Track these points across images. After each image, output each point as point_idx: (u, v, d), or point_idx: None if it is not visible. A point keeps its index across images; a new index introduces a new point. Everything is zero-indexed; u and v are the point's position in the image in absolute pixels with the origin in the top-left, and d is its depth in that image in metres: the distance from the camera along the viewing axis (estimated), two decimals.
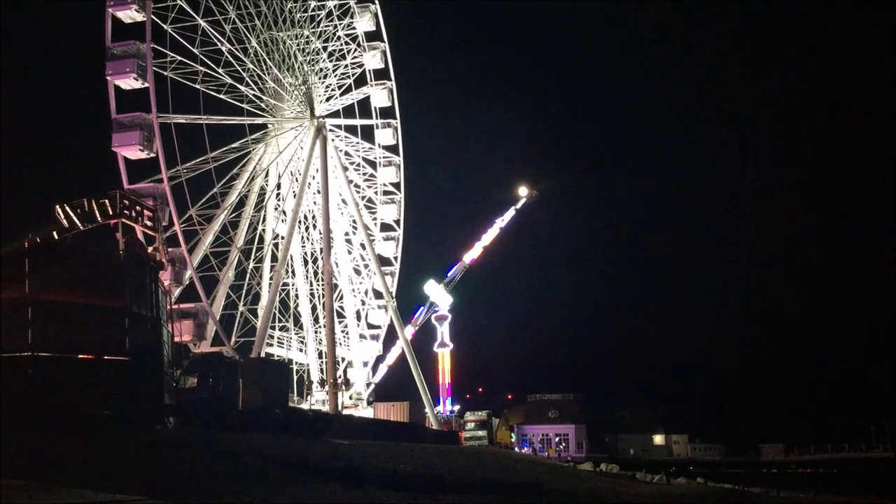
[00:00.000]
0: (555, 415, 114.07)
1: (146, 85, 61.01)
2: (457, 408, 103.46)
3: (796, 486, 76.37)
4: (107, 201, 38.58)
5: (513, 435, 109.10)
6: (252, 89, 71.23)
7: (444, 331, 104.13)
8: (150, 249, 39.65)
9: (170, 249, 54.04)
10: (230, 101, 69.69)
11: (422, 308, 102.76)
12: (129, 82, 61.04)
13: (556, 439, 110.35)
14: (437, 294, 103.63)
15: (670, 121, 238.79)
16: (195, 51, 65.75)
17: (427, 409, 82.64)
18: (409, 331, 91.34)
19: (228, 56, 68.70)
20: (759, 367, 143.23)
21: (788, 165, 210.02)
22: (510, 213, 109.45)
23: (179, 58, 64.47)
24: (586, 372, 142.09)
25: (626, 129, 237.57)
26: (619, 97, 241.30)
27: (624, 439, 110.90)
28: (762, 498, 51.89)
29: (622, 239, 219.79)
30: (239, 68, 69.87)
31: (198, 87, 66.61)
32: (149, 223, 41.48)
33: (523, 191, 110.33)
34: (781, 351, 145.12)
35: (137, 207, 40.67)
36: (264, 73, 72.69)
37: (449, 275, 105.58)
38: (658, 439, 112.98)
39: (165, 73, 63.29)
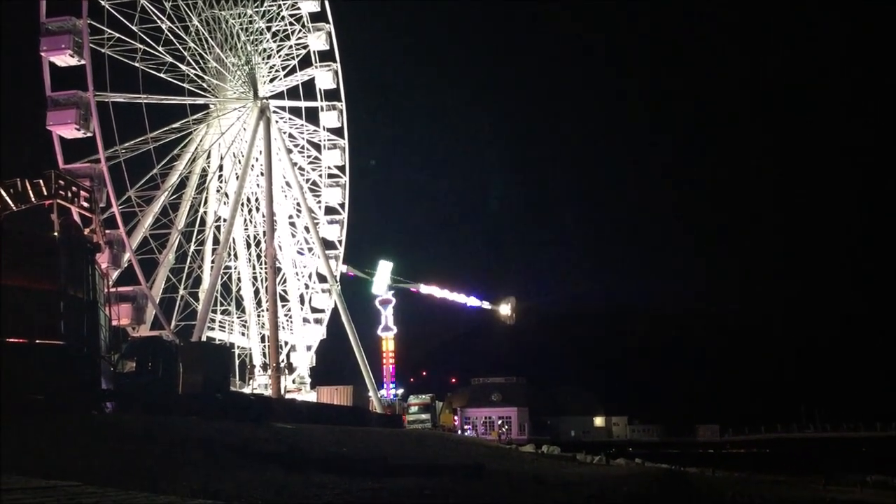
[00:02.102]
0: (498, 398, 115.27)
1: (82, 62, 59.47)
2: (401, 391, 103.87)
3: (731, 465, 78.64)
4: (41, 181, 37.47)
5: (456, 418, 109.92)
6: (193, 69, 69.85)
7: (388, 315, 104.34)
8: (86, 231, 38.67)
9: (107, 231, 52.95)
10: (171, 80, 68.27)
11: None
12: (65, 59, 59.41)
13: (499, 422, 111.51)
14: (383, 280, 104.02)
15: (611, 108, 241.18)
16: (134, 28, 64.06)
17: (371, 393, 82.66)
18: (343, 269, 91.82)
19: (169, 34, 67.17)
20: (696, 351, 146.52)
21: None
22: (480, 305, 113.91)
23: (117, 35, 62.78)
24: (529, 356, 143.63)
25: (576, 117, 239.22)
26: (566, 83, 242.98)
27: (565, 421, 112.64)
28: (698, 477, 53.22)
29: (563, 222, 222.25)
30: (180, 47, 68.43)
31: (137, 65, 65.05)
32: (85, 204, 40.46)
33: (506, 310, 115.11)
34: (717, 336, 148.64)
35: (73, 188, 39.57)
36: (206, 53, 71.31)
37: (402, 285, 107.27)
38: (598, 421, 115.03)
39: (103, 51, 61.63)
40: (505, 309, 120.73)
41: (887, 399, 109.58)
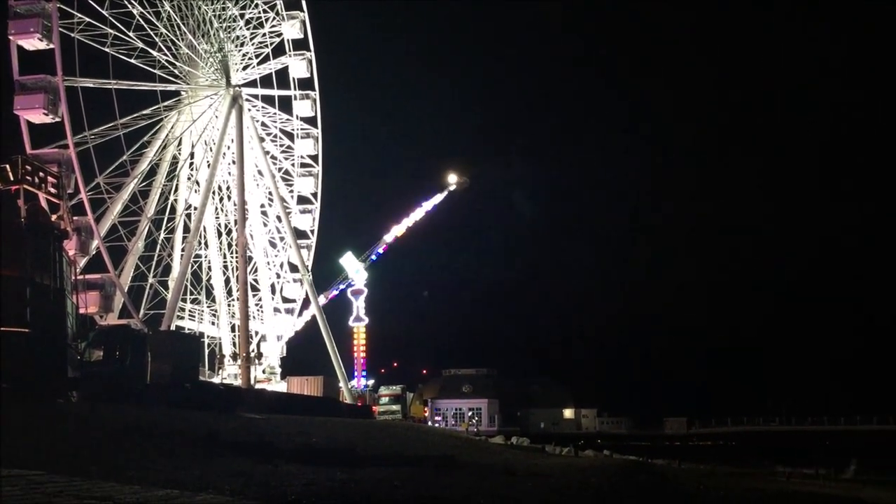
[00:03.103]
0: (468, 389, 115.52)
1: (51, 46, 58.62)
2: (371, 382, 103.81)
3: (697, 457, 79.52)
4: (8, 167, 36.88)
5: (426, 409, 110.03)
6: (165, 55, 69.11)
7: (359, 305, 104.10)
8: (54, 217, 38.16)
9: (75, 218, 52.27)
10: (141, 66, 67.52)
11: (339, 285, 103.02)
12: (34, 43, 58.52)
13: (470, 413, 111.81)
14: (353, 268, 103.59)
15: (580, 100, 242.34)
16: (104, 12, 63.21)
17: (341, 384, 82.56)
18: (321, 300, 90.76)
19: (140, 19, 66.32)
20: (665, 344, 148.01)
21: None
22: (438, 198, 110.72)
23: (87, 19, 61.96)
24: (500, 348, 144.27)
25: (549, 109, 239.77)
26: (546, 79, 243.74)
27: (535, 413, 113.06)
28: (665, 469, 53.78)
29: (534, 217, 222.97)
30: (151, 32, 67.63)
31: (107, 50, 64.22)
32: (53, 190, 39.87)
33: (453, 178, 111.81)
34: (685, 329, 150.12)
35: (41, 173, 38.97)
36: (178, 39, 70.53)
37: (372, 256, 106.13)
38: (568, 413, 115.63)
39: (72, 35, 60.76)
40: (453, 178, 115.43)
41: (850, 394, 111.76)
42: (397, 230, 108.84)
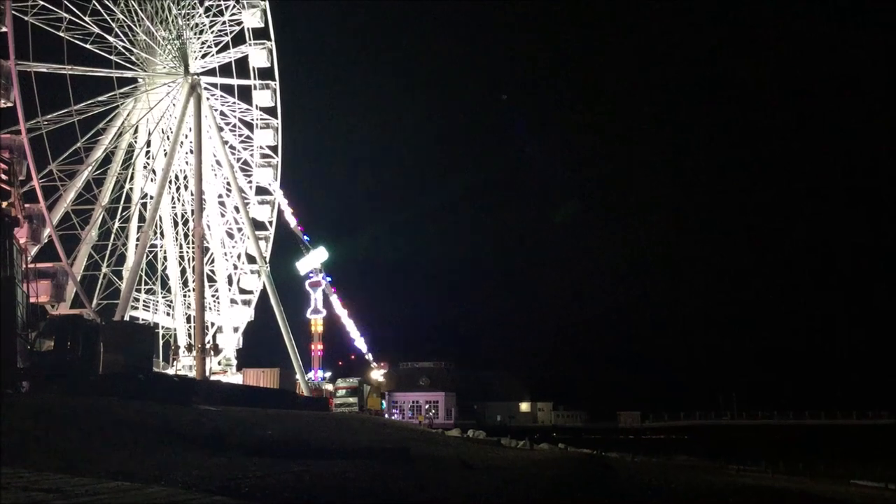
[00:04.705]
0: (426, 382, 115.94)
1: (4, 29, 57.18)
2: (328, 374, 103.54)
3: (650, 450, 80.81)
4: None
5: (383, 402, 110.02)
6: (121, 41, 67.89)
7: (317, 297, 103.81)
8: (4, 204, 37.47)
9: (27, 205, 51.43)
10: (97, 51, 66.25)
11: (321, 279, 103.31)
12: None
13: (426, 406, 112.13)
14: (317, 261, 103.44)
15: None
16: None
17: (298, 376, 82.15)
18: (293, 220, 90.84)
19: (96, 4, 65.08)
20: (619, 339, 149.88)
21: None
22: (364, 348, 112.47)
23: (42, 2, 60.63)
24: (457, 341, 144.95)
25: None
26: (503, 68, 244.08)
27: (491, 406, 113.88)
28: (618, 462, 54.49)
29: (491, 210, 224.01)
30: (108, 17, 66.38)
31: (62, 34, 62.92)
32: (4, 177, 39.22)
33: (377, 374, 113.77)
34: (639, 325, 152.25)
35: None
36: (135, 25, 69.37)
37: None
38: (524, 406, 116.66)
39: (26, 18, 59.39)
40: (377, 374, 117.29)
41: (799, 389, 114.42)
42: (336, 305, 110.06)
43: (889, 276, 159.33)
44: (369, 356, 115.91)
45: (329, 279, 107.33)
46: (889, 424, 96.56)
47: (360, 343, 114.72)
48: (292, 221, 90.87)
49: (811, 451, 74.98)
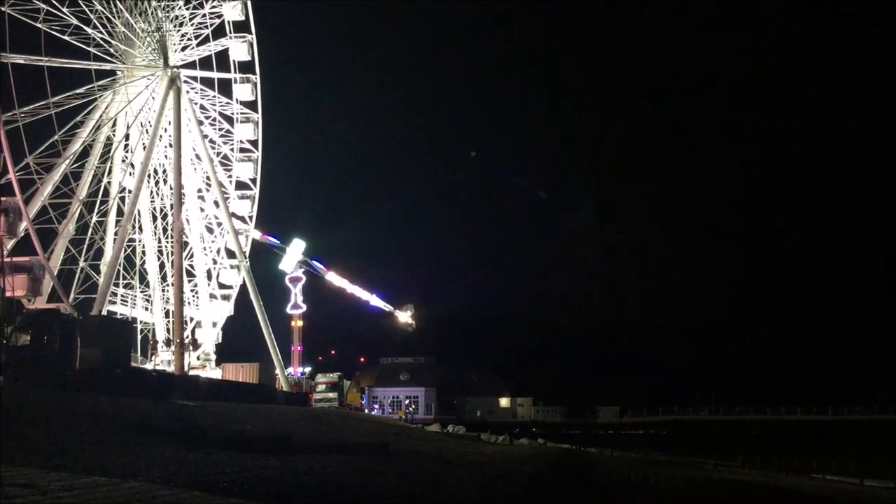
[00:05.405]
0: (406, 378, 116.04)
1: None
2: (308, 370, 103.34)
3: (629, 445, 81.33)
4: None
5: (364, 397, 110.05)
6: (100, 32, 67.19)
7: (297, 292, 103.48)
8: None
9: (3, 198, 50.92)
10: (75, 43, 65.56)
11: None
12: None
13: (407, 401, 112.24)
14: (294, 258, 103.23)
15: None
16: None
17: (277, 371, 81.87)
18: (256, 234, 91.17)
19: None
20: (598, 334, 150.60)
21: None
22: (381, 305, 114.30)
23: None
24: (437, 336, 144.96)
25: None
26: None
27: (471, 402, 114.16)
28: (597, 457, 54.85)
29: (472, 203, 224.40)
30: (86, 9, 65.65)
31: (39, 25, 62.20)
32: None
33: (405, 315, 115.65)
34: (618, 320, 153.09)
35: None
36: (114, 17, 68.66)
37: (312, 266, 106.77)
38: (504, 402, 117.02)
39: (2, 9, 58.56)
40: (404, 316, 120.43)
41: (774, 385, 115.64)
42: (334, 278, 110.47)
43: (869, 276, 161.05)
44: (389, 308, 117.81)
45: (317, 262, 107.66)
46: (863, 420, 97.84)
47: (377, 301, 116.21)
48: (256, 234, 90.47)
49: (787, 446, 75.85)
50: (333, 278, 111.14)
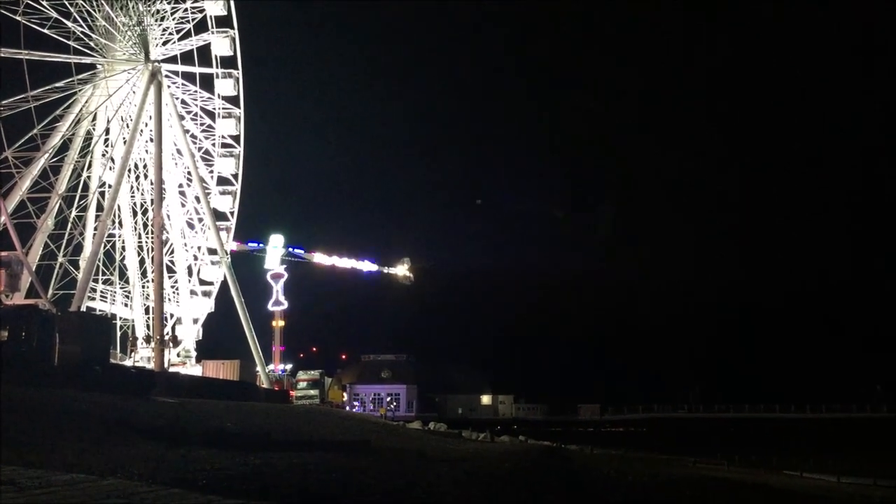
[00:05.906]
0: (387, 375, 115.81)
1: None
2: (289, 367, 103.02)
3: (609, 443, 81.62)
4: None
5: (345, 394, 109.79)
6: (80, 26, 66.68)
7: (279, 289, 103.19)
8: None
9: None
10: (55, 36, 65.05)
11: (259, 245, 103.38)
12: None
13: (388, 399, 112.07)
14: (276, 253, 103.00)
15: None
16: None
17: (258, 368, 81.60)
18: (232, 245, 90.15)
19: None
20: (579, 332, 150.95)
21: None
22: (374, 269, 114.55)
23: None
24: (419, 333, 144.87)
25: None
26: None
27: (453, 399, 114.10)
28: (578, 454, 55.02)
29: (446, 202, 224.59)
30: (66, 2, 65.18)
31: (19, 18, 61.68)
32: None
33: (402, 269, 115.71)
34: (598, 318, 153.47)
35: None
36: (94, 10, 68.12)
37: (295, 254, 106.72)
38: (485, 399, 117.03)
39: None
40: (401, 270, 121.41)
41: (754, 383, 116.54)
42: (322, 258, 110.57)
43: (869, 276, 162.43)
44: (386, 269, 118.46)
45: (301, 250, 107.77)
46: (841, 418, 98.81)
47: (371, 266, 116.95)
48: (233, 245, 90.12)
49: (766, 443, 76.49)
50: (321, 258, 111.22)
